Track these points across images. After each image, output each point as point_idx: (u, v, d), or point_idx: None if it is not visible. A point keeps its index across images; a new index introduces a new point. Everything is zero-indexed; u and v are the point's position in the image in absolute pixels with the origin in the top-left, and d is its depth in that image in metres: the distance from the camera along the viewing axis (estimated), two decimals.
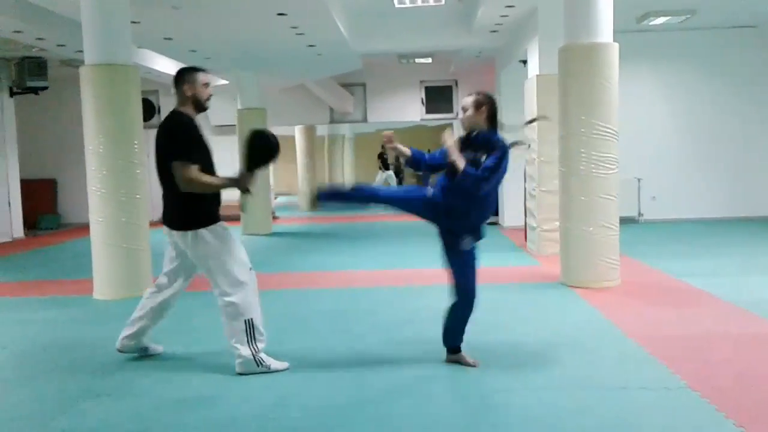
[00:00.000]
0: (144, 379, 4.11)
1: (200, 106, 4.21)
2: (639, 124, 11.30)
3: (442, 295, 6.27)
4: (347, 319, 5.53)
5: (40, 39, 9.37)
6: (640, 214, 11.68)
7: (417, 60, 13.39)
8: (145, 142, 6.70)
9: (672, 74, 11.69)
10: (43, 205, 14.11)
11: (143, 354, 4.55)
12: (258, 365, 4.08)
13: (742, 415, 3.31)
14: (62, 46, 9.81)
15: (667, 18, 10.17)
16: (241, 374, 4.08)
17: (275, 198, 17.23)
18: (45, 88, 11.82)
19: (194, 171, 4.00)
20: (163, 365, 4.39)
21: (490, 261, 8.24)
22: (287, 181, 23.39)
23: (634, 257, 7.90)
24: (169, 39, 9.39)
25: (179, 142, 4.06)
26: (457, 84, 15.24)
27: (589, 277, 6.44)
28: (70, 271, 8.45)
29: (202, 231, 4.05)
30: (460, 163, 3.86)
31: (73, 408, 3.68)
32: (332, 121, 16.01)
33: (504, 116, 12.49)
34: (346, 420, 3.40)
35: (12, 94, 12.05)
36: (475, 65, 13.82)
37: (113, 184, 6.56)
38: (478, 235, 4.13)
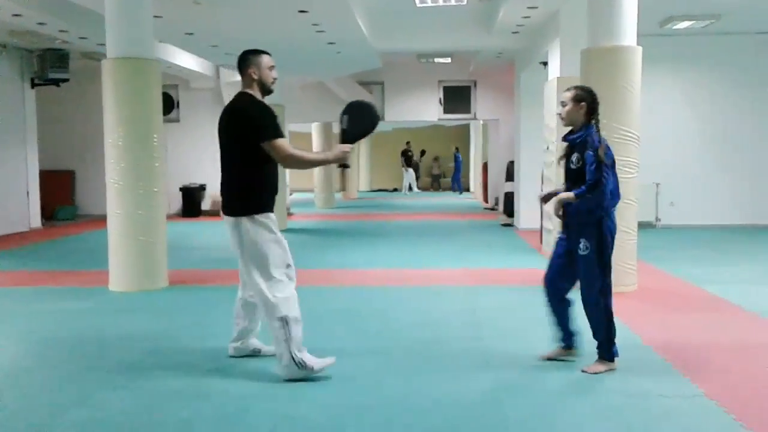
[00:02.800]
0: (161, 373, 4.13)
1: (266, 89, 4.09)
2: (659, 129, 11.20)
3: (454, 297, 6.28)
4: (361, 318, 5.52)
5: (62, 31, 9.44)
6: (657, 219, 11.58)
7: (436, 59, 13.35)
8: (164, 136, 6.73)
9: (694, 79, 11.57)
10: (61, 196, 14.22)
11: (256, 354, 4.38)
12: (299, 368, 3.90)
13: (761, 426, 3.26)
14: (84, 38, 9.89)
15: (691, 22, 10.07)
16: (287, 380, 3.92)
17: (290, 194, 17.26)
18: (66, 80, 11.92)
19: (291, 147, 3.97)
20: (179, 359, 4.41)
21: (505, 263, 8.23)
22: (303, 177, 23.45)
23: (651, 263, 7.83)
24: (191, 34, 9.43)
25: (267, 121, 3.93)
26: (475, 84, 15.19)
27: None
28: (87, 262, 8.50)
29: (257, 217, 3.92)
30: (570, 196, 3.96)
31: (90, 399, 3.70)
32: None
33: (524, 117, 12.38)
34: (357, 420, 3.40)
35: (33, 85, 12.17)
36: (495, 66, 13.77)
37: (131, 177, 6.59)
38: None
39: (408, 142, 24.83)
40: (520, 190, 11.67)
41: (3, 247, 9.89)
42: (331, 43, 10.03)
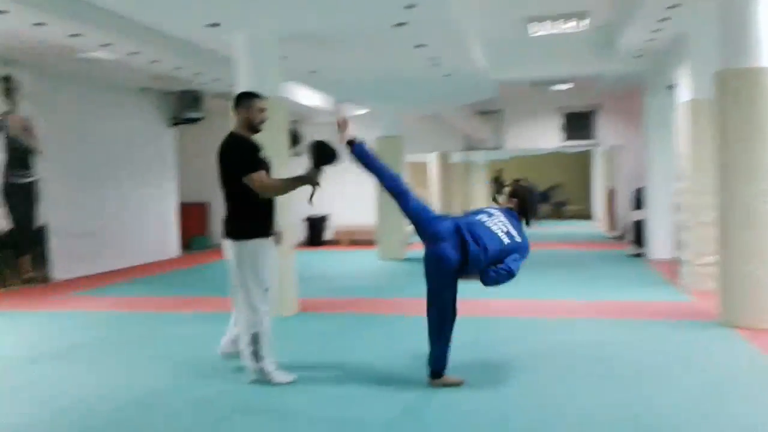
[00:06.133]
0: (296, 397, 4.24)
1: (254, 128, 4.63)
2: None
3: (580, 330, 6.03)
4: (481, 350, 5.42)
5: (197, 74, 10.13)
6: None
7: (556, 86, 13.11)
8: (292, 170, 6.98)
9: None
10: (196, 227, 15.10)
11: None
12: (263, 375, 4.49)
13: None
14: (217, 80, 10.54)
15: None
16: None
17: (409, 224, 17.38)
18: (201, 118, 12.75)
19: (264, 176, 4.48)
20: (316, 384, 4.51)
21: (637, 295, 7.82)
22: None
23: None
24: (313, 72, 9.82)
25: (244, 158, 4.48)
26: (598, 110, 14.75)
27: (752, 316, 5.91)
28: (220, 288, 8.91)
29: (243, 242, 4.47)
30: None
31: (226, 420, 3.86)
32: (467, 147, 16.00)
33: (653, 142, 11.81)
34: None
35: (172, 124, 13.12)
36: (619, 90, 13.34)
37: None
38: None
39: (500, 170, 24.40)
40: (652, 219, 11.12)
41: (147, 275, 10.62)
42: (447, 75, 10.10)
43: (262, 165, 4.56)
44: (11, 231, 9.38)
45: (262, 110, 4.63)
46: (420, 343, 5.67)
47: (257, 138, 4.71)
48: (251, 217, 4.53)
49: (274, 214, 4.67)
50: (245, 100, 4.64)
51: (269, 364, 4.51)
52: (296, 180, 4.60)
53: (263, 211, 4.58)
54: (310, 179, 4.54)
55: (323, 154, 4.59)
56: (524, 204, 4.36)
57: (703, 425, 3.65)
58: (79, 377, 4.87)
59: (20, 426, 3.87)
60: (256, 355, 4.47)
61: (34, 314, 7.48)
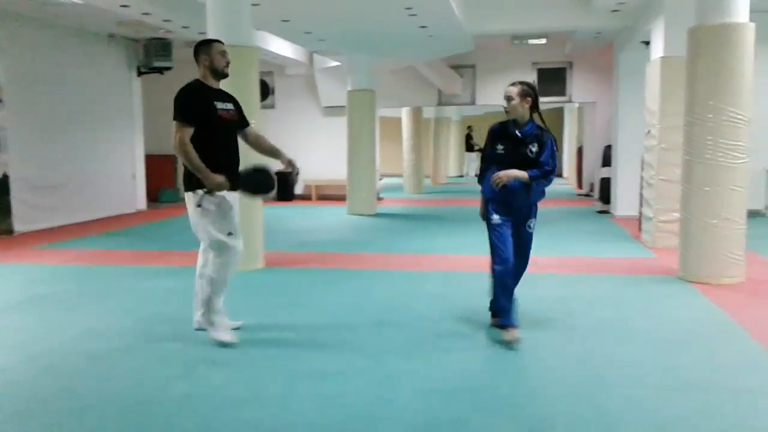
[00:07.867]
0: (260, 351, 4.27)
1: (219, 74, 4.46)
2: None
3: (547, 285, 6.14)
4: (449, 303, 5.50)
5: (166, 21, 9.84)
6: (767, 208, 10.89)
7: (531, 41, 13.03)
8: (261, 122, 6.89)
9: None
10: (164, 179, 14.90)
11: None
12: (208, 324, 4.45)
13: None
14: (186, 27, 10.26)
15: None
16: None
17: (380, 179, 17.38)
18: (169, 68, 12.44)
19: (186, 135, 4.20)
20: (278, 339, 4.55)
21: (602, 251, 7.98)
22: (392, 162, 23.54)
23: (760, 253, 7.38)
24: (286, 21, 9.62)
25: (180, 104, 4.27)
26: (571, 66, 14.73)
27: (711, 272, 6.08)
28: (188, 242, 8.85)
29: (190, 194, 4.33)
30: (524, 174, 4.30)
31: (193, 373, 3.87)
32: (440, 103, 15.92)
33: (623, 99, 11.88)
34: (460, 404, 3.40)
35: (140, 73, 12.79)
36: (592, 46, 13.31)
37: None
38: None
39: (469, 127, 24.38)
40: (618, 176, 11.26)
41: (112, 228, 10.50)
42: (423, 27, 9.97)
43: (203, 118, 4.26)
44: None
45: (223, 53, 4.45)
46: (391, 298, 5.74)
47: (227, 86, 4.61)
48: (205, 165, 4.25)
49: (232, 166, 4.40)
50: (205, 46, 4.47)
51: (217, 317, 4.44)
52: (202, 172, 4.19)
53: (217, 162, 4.28)
54: (209, 187, 4.23)
55: (258, 186, 4.46)
56: (536, 97, 4.49)
57: (659, 377, 3.76)
58: (45, 328, 4.83)
59: None
60: (209, 303, 4.41)
61: None
